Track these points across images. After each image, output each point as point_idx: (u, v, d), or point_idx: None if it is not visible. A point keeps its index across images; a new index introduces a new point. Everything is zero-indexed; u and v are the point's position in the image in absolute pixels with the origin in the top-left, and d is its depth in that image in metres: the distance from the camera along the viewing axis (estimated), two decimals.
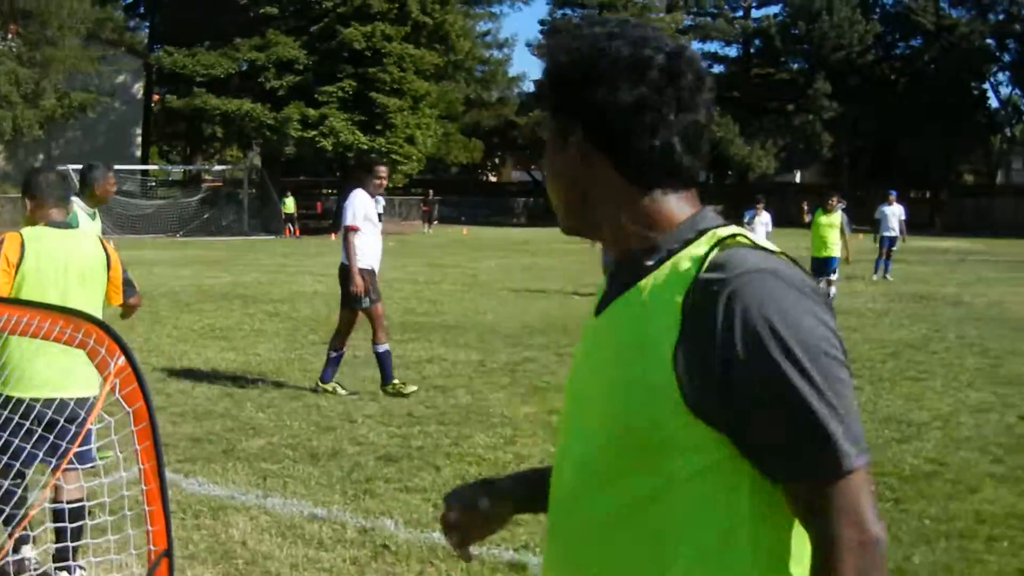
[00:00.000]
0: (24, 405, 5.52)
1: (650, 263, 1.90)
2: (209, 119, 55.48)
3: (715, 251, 1.84)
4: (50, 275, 5.99)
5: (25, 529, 5.93)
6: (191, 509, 7.38)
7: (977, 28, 74.56)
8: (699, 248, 1.86)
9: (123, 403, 3.19)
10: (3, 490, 5.30)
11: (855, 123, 74.83)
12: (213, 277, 26.14)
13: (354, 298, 11.62)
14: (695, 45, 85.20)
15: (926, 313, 19.87)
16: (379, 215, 12.68)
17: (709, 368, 1.76)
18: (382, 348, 11.76)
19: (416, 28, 56.35)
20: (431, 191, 64.00)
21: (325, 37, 55.37)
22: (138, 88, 64.56)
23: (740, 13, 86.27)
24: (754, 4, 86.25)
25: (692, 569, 1.81)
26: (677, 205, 1.96)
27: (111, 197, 9.52)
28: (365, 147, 53.33)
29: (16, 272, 5.93)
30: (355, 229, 11.57)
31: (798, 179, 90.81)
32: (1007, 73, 79.08)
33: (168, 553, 3.27)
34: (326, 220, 62.69)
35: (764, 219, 24.77)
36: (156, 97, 64.87)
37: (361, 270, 11.59)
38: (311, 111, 53.45)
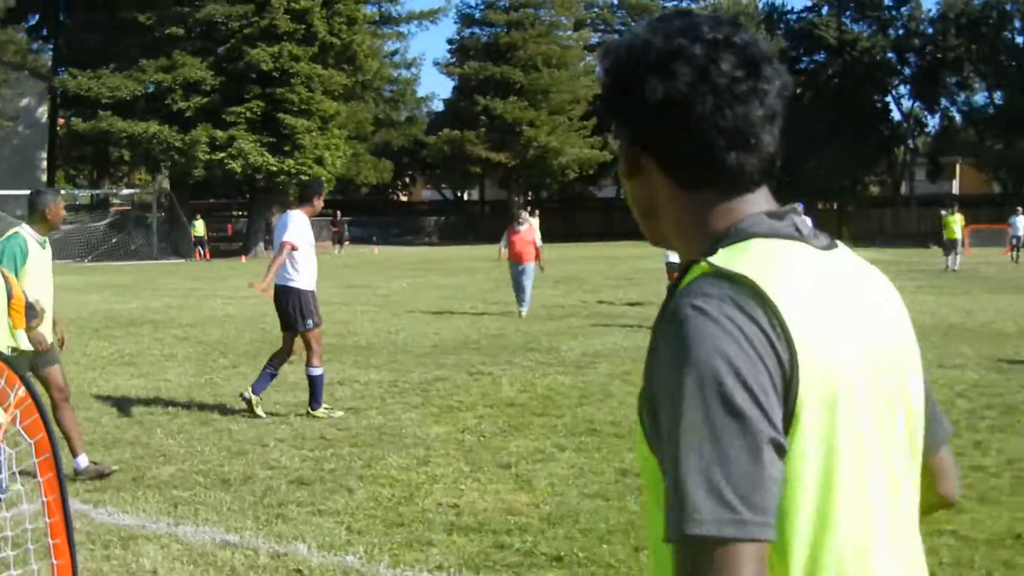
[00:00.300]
0: None
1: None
2: (116, 142, 54.92)
3: (690, 276, 1.72)
4: None
5: None
6: (100, 539, 7.28)
7: (878, 43, 76.06)
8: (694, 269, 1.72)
9: (23, 435, 3.16)
10: None
11: None
12: (122, 302, 25.84)
13: (297, 320, 11.60)
14: None
15: None
16: None
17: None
18: (316, 371, 11.70)
19: (323, 48, 56.24)
20: (339, 212, 63.79)
21: (232, 58, 55.12)
22: (42, 111, 63.60)
23: None
24: None
25: None
26: (725, 209, 1.79)
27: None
28: (274, 169, 53.15)
29: None
30: (295, 247, 11.53)
31: None
32: (908, 86, 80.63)
33: None
34: (236, 242, 62.29)
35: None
36: (61, 120, 63.97)
37: (304, 291, 11.62)
38: (219, 133, 53.14)
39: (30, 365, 8.28)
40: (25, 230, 8.79)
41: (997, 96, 71.02)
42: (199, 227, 54.41)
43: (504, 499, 8.13)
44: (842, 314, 1.69)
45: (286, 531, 7.45)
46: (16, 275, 8.40)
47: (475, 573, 6.53)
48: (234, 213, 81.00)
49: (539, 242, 22.49)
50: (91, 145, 56.71)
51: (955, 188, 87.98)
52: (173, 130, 53.40)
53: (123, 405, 12.22)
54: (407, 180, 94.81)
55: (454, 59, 79.32)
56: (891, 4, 78.90)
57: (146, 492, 8.49)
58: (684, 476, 1.49)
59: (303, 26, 54.54)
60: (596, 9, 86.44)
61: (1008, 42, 71.87)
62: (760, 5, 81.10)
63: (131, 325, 20.59)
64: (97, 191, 68.59)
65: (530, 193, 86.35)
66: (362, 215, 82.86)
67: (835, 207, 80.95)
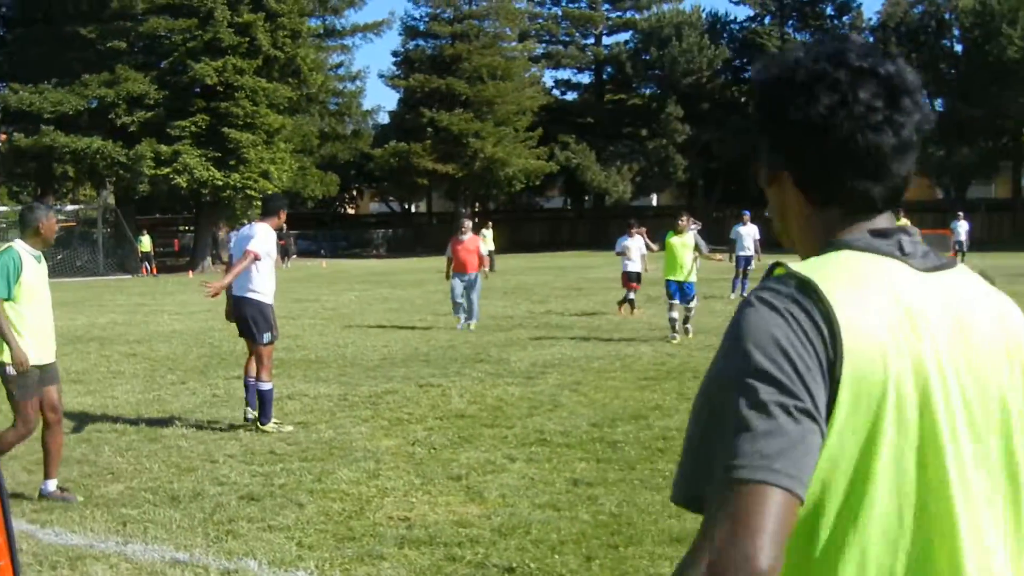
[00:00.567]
0: None
1: None
2: (59, 157, 54.33)
3: (771, 275, 1.86)
4: None
5: None
6: (48, 560, 7.22)
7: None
8: None
9: None
10: None
11: (707, 146, 76.29)
12: (68, 319, 25.58)
13: (254, 332, 11.71)
14: (547, 73, 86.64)
15: None
16: None
17: None
18: (266, 386, 11.71)
19: (268, 62, 56.08)
20: (285, 225, 63.53)
21: (176, 72, 54.87)
22: None
23: (591, 40, 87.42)
24: (605, 31, 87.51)
25: None
26: (844, 226, 1.89)
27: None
28: (220, 183, 52.92)
29: None
30: (259, 257, 11.62)
31: (655, 202, 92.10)
32: None
33: None
34: (184, 258, 61.93)
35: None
36: (3, 136, 63.29)
37: (264, 304, 11.80)
38: (164, 147, 52.82)
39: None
40: (19, 245, 8.74)
41: (938, 104, 71.63)
42: (145, 243, 54.01)
43: (455, 511, 8.13)
44: (913, 329, 1.76)
45: (236, 547, 7.41)
46: (10, 290, 8.38)
47: None
48: (180, 228, 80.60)
49: (484, 251, 22.36)
50: (34, 161, 56.05)
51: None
52: (117, 145, 52.99)
53: (70, 423, 12.08)
54: (354, 193, 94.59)
55: (399, 71, 79.27)
56: (833, 13, 79.60)
57: (94, 511, 8.42)
58: (727, 428, 1.64)
59: (247, 39, 54.34)
60: (540, 21, 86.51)
61: (947, 50, 72.67)
62: (704, 15, 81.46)
63: (78, 342, 20.40)
64: None
65: (477, 204, 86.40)
66: (309, 229, 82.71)
67: None
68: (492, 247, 47.84)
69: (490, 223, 51.59)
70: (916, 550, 1.72)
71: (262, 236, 11.81)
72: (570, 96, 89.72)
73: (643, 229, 24.70)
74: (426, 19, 78.09)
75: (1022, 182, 74.82)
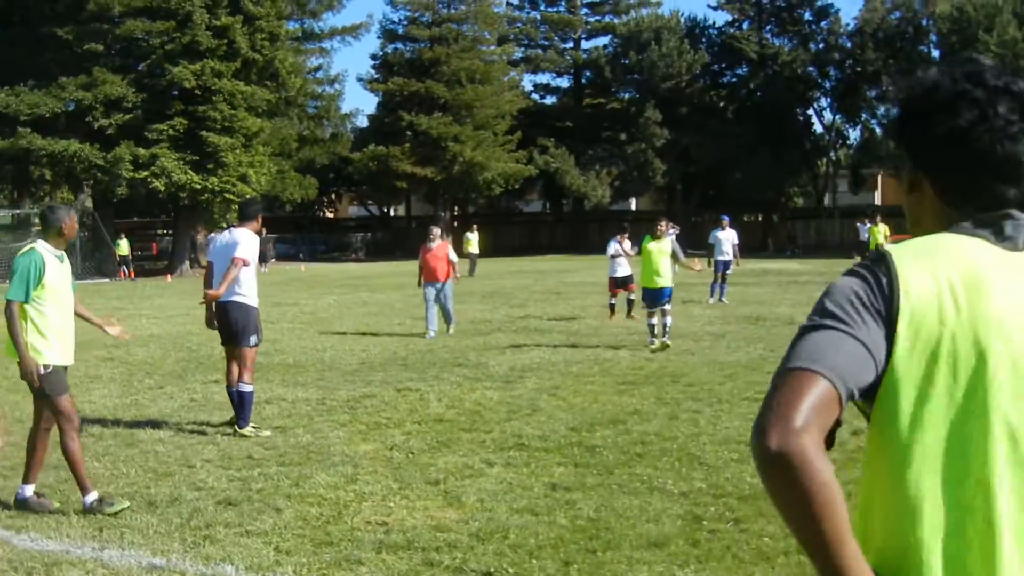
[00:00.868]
0: None
1: None
2: (36, 160, 54.11)
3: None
4: None
5: None
6: (23, 567, 7.18)
7: (799, 56, 76.90)
8: None
9: None
10: None
11: (686, 150, 76.49)
12: None
13: (240, 336, 11.79)
14: (526, 77, 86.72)
15: (761, 334, 20.28)
16: None
17: None
18: (248, 388, 11.74)
19: (246, 65, 55.99)
20: (264, 229, 63.44)
21: (153, 75, 54.71)
22: None
23: (570, 44, 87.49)
24: (584, 36, 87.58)
25: None
26: (961, 220, 2.22)
27: None
28: (198, 187, 52.80)
29: None
30: (247, 263, 11.77)
31: (633, 207, 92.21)
32: (829, 99, 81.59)
33: None
34: (162, 261, 61.74)
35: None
36: None
37: (251, 308, 11.93)
38: (142, 151, 52.66)
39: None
40: (41, 245, 8.69)
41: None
42: (123, 246, 53.86)
43: (433, 516, 8.12)
44: (981, 294, 2.10)
45: (214, 553, 7.38)
46: (28, 293, 8.34)
47: None
48: (158, 232, 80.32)
49: (454, 257, 21.89)
50: (10, 163, 55.82)
51: (877, 199, 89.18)
52: (95, 148, 52.81)
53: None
54: (333, 197, 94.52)
55: (378, 75, 79.22)
56: (811, 18, 79.82)
57: (70, 516, 8.39)
58: (797, 337, 2.11)
59: (225, 42, 54.25)
60: (519, 24, 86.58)
61: (924, 56, 72.88)
62: (682, 19, 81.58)
63: None
64: (18, 211, 67.58)
65: (456, 208, 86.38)
66: (288, 232, 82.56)
67: (760, 218, 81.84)
68: (477, 251, 47.84)
69: (475, 226, 51.47)
70: (954, 475, 2.09)
71: (247, 242, 11.90)
72: (549, 100, 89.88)
73: (627, 234, 24.63)
74: (404, 22, 78.12)
75: None
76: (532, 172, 75.76)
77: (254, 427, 11.66)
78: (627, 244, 23.98)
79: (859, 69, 75.99)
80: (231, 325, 11.82)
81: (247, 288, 11.91)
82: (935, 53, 71.96)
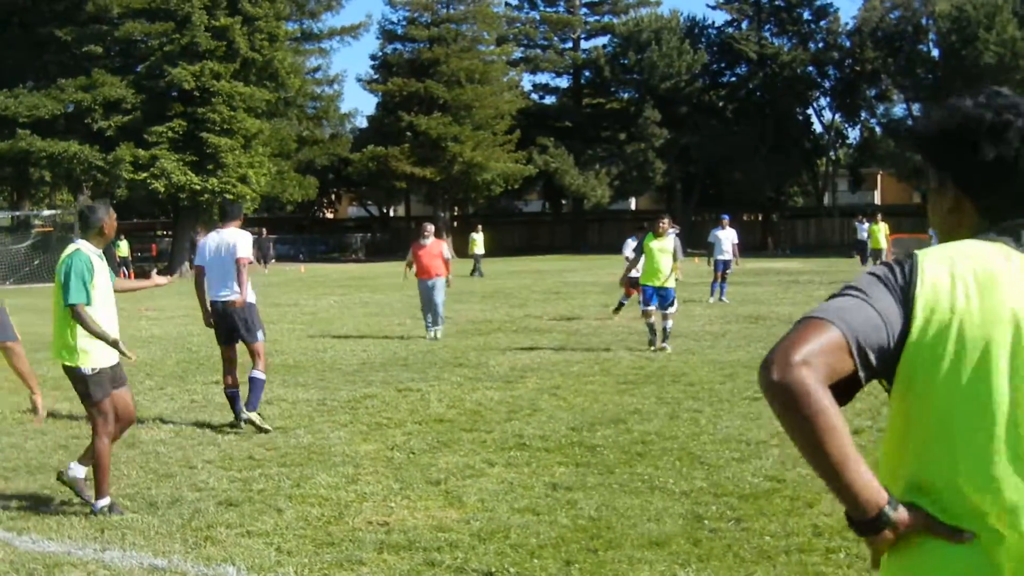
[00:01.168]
0: None
1: None
2: (36, 162, 54.10)
3: None
4: None
5: None
6: (24, 568, 7.18)
7: (798, 56, 76.86)
8: None
9: None
10: None
11: (686, 150, 76.45)
12: (45, 325, 25.34)
13: (247, 332, 12.11)
14: (525, 77, 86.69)
15: (761, 333, 20.24)
16: None
17: None
18: (263, 376, 12.16)
19: (245, 66, 55.96)
20: (263, 230, 63.38)
21: (152, 76, 54.66)
22: None
23: (569, 44, 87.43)
24: (583, 36, 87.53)
25: None
26: (991, 231, 2.54)
27: None
28: (198, 188, 52.77)
29: None
30: (252, 262, 12.17)
31: (633, 206, 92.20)
32: (828, 99, 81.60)
33: None
34: (161, 262, 61.71)
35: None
36: None
37: (254, 305, 12.24)
38: (142, 152, 52.63)
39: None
40: (85, 246, 8.70)
41: (915, 108, 71.96)
42: (123, 247, 53.75)
43: (434, 516, 8.13)
44: (992, 287, 2.42)
45: (215, 554, 7.39)
46: (89, 295, 8.32)
47: None
48: (158, 233, 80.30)
49: (448, 255, 21.52)
50: (10, 165, 55.82)
51: (877, 198, 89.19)
52: (94, 150, 52.80)
53: (47, 430, 12.06)
54: (332, 197, 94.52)
55: (377, 75, 79.16)
56: (810, 18, 79.76)
57: (72, 518, 8.39)
58: (833, 297, 2.47)
59: (224, 43, 54.24)
60: (519, 25, 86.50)
61: (924, 55, 72.90)
62: (682, 19, 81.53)
63: None
64: (17, 212, 67.58)
65: (456, 208, 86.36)
66: (288, 233, 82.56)
67: (760, 218, 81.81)
68: (482, 251, 47.77)
69: (479, 226, 51.39)
70: (953, 445, 2.42)
71: (245, 241, 12.12)
72: (548, 100, 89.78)
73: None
74: (403, 23, 78.01)
75: None
76: (531, 172, 75.67)
77: (260, 416, 11.75)
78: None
79: (858, 68, 76.02)
80: (237, 325, 12.02)
81: (249, 286, 12.12)
82: (935, 52, 71.94)
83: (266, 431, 11.51)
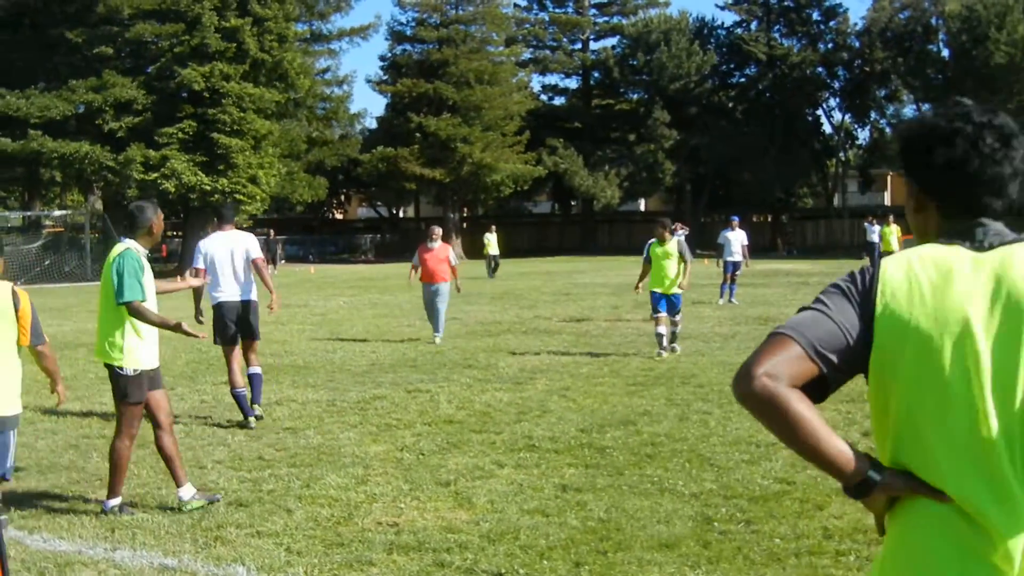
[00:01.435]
0: None
1: None
2: (47, 163, 54.23)
3: None
4: None
5: None
6: (36, 567, 7.20)
7: (808, 57, 76.72)
8: None
9: None
10: None
11: (695, 151, 76.35)
12: (56, 325, 25.52)
13: (256, 330, 12.64)
14: (534, 78, 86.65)
15: None
16: None
17: None
18: (260, 370, 12.71)
19: (255, 66, 56.06)
20: (272, 231, 63.39)
21: (163, 77, 54.79)
22: None
23: (579, 45, 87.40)
24: (592, 36, 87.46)
25: None
26: (949, 233, 2.74)
27: None
28: (208, 188, 52.85)
29: None
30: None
31: (643, 207, 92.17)
32: (838, 99, 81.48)
33: None
34: (172, 263, 61.80)
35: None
36: None
37: (257, 303, 12.69)
38: (152, 153, 52.77)
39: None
40: (133, 245, 8.73)
41: (925, 108, 71.81)
42: None
43: (444, 517, 8.13)
44: (948, 286, 2.61)
45: (225, 554, 7.41)
46: (143, 291, 8.46)
47: None
48: (168, 233, 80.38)
49: (454, 260, 21.22)
50: (21, 166, 55.98)
51: (887, 199, 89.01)
52: (105, 150, 52.94)
53: (58, 429, 12.10)
54: (342, 198, 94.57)
55: (386, 76, 79.12)
56: (820, 19, 79.57)
57: (82, 517, 8.41)
58: (801, 310, 2.72)
59: (234, 44, 54.36)
60: (528, 26, 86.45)
61: (934, 55, 72.73)
62: (691, 20, 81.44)
63: (65, 348, 20.35)
64: (28, 213, 67.73)
65: (465, 209, 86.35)
66: (297, 233, 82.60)
67: (769, 219, 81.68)
68: (496, 251, 47.64)
69: (493, 227, 51.23)
70: (919, 435, 2.61)
71: (254, 242, 12.51)
72: (558, 101, 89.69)
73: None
74: (413, 24, 77.97)
75: None
76: (541, 173, 75.58)
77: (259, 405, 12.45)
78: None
79: (868, 69, 75.92)
80: (248, 322, 12.42)
81: (254, 286, 12.52)
82: (945, 53, 71.77)
83: (255, 418, 12.15)
